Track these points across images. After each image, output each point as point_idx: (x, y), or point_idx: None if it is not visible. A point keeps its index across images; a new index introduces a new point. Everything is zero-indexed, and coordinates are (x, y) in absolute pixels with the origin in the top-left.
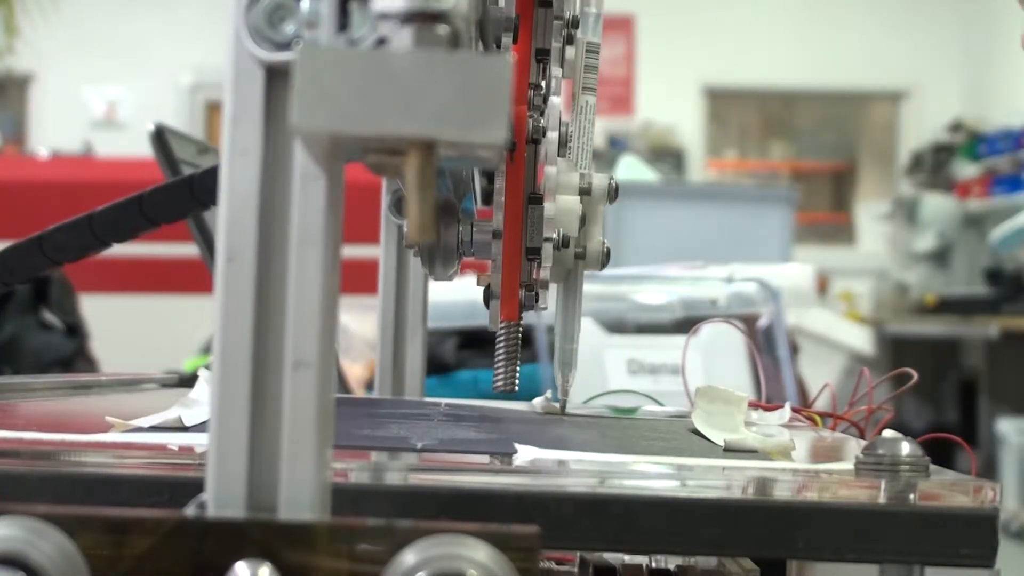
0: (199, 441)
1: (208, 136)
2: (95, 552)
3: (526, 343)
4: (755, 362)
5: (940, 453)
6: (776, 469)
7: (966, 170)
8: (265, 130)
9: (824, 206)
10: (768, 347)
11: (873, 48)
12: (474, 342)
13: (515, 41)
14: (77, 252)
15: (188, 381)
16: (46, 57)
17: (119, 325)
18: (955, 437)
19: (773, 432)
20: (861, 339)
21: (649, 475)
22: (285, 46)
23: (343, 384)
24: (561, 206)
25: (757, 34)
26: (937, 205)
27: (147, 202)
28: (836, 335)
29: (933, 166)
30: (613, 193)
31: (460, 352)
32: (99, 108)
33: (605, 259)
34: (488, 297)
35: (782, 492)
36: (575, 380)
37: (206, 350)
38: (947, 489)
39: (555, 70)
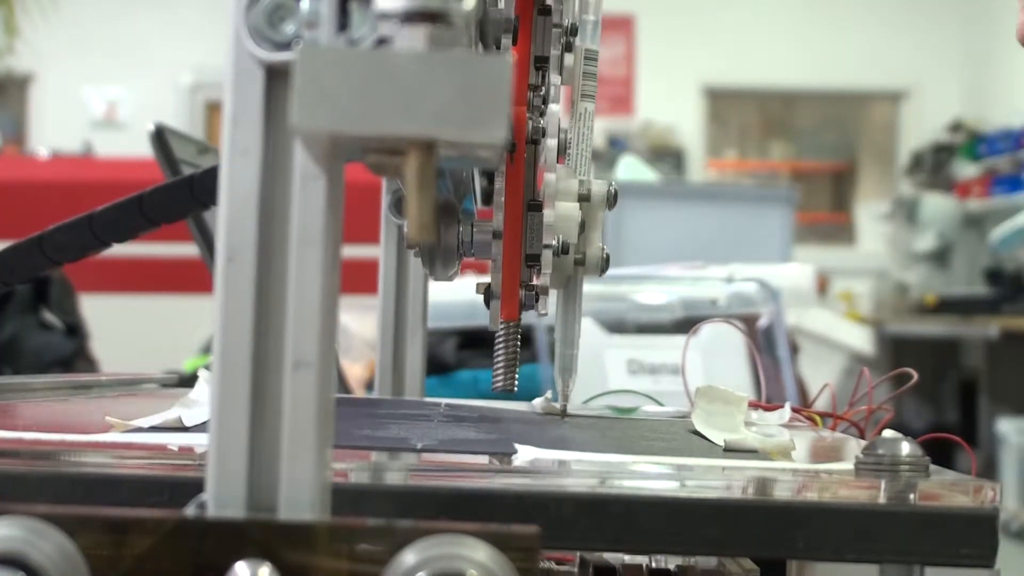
0: (199, 441)
1: (208, 136)
2: (95, 552)
3: (526, 343)
4: (755, 362)
5: (940, 453)
6: (776, 469)
7: (966, 170)
8: (265, 130)
9: (824, 206)
10: (768, 347)
11: (873, 48)
12: (474, 342)
13: (514, 43)
14: (77, 252)
15: (188, 381)
16: (46, 57)
17: (119, 325)
18: (955, 437)
19: (773, 432)
20: (861, 339)
21: (649, 475)
22: (285, 46)
23: (343, 384)
24: (560, 213)
25: (757, 34)
26: (937, 205)
27: (147, 202)
28: (836, 335)
29: (933, 166)
30: (612, 199)
31: (460, 352)
32: (99, 108)
33: (604, 265)
34: (488, 297)
35: (782, 492)
36: (575, 385)
37: (206, 350)
38: (947, 489)
39: (554, 77)
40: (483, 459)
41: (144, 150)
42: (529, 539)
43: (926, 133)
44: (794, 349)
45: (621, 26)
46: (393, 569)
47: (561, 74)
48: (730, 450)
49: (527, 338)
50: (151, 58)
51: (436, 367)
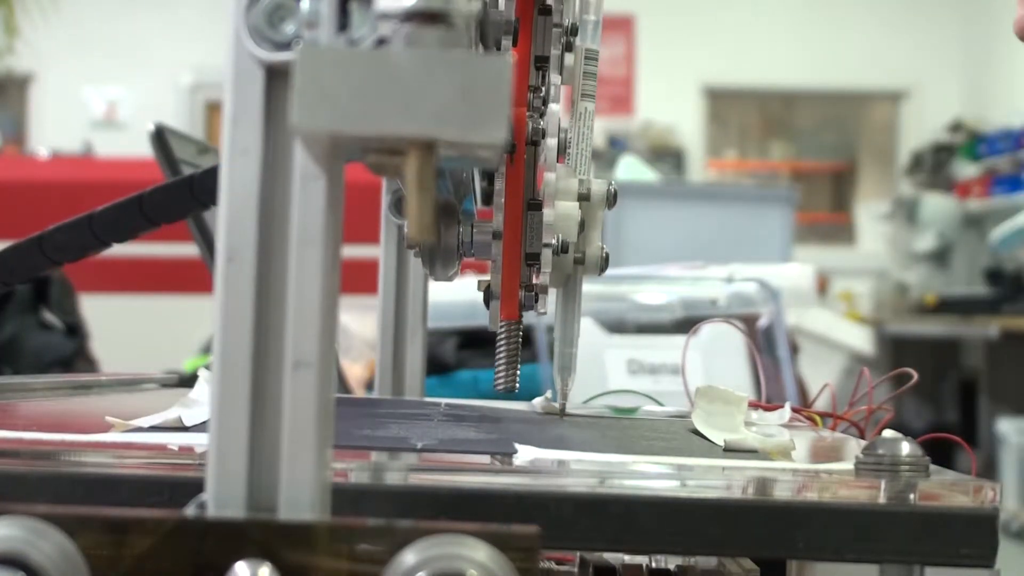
0: (199, 441)
1: (208, 136)
2: (95, 552)
3: (526, 343)
4: (755, 362)
5: (940, 453)
6: (776, 469)
7: (966, 170)
8: (265, 130)
9: (824, 206)
10: (768, 347)
11: (873, 48)
12: (474, 342)
13: (515, 44)
14: (77, 252)
15: (188, 381)
16: (46, 57)
17: (119, 325)
18: (955, 437)
19: (773, 432)
20: (861, 339)
21: (649, 475)
22: (285, 46)
23: (343, 384)
24: (560, 212)
25: (757, 34)
26: (937, 205)
27: (147, 202)
28: (836, 335)
29: (933, 166)
30: (612, 199)
31: (460, 352)
32: (99, 108)
33: (604, 264)
34: (488, 297)
35: (782, 492)
36: (575, 383)
37: (206, 350)
38: (947, 489)
39: (554, 77)
40: (483, 459)
41: (144, 150)
42: (529, 539)
43: (926, 133)
44: (794, 349)
45: (621, 26)
46: (393, 569)
47: (561, 74)
48: (730, 450)
49: (527, 338)
50: (151, 58)
51: (436, 367)
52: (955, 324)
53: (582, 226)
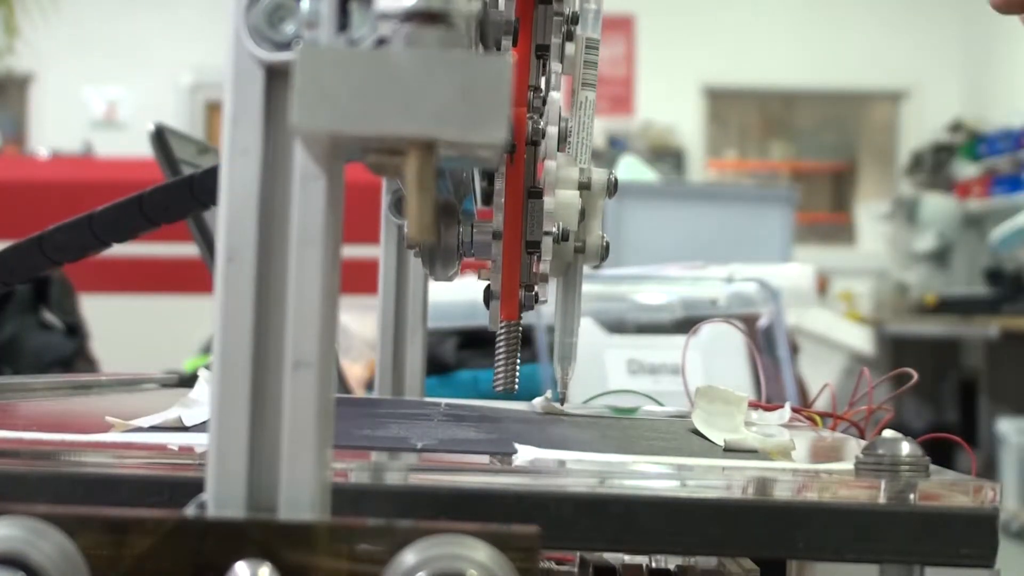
0: (199, 441)
1: (208, 136)
2: (95, 552)
3: (526, 343)
4: (755, 362)
5: (940, 453)
6: (776, 469)
7: (966, 170)
8: (265, 130)
9: (824, 206)
10: (768, 347)
11: (873, 48)
12: (474, 342)
13: (515, 44)
14: (77, 252)
15: (188, 381)
16: (46, 57)
17: (119, 325)
18: (955, 437)
19: (773, 432)
20: (861, 339)
21: (649, 475)
22: (285, 46)
23: (343, 384)
24: (560, 200)
25: (757, 34)
26: (937, 205)
27: (147, 202)
28: (836, 335)
29: (933, 166)
30: (612, 187)
31: (460, 352)
32: (99, 108)
33: (604, 253)
34: (488, 297)
35: (782, 492)
36: (575, 374)
37: (206, 350)
38: (947, 489)
39: (555, 66)
40: (483, 459)
41: (144, 150)
42: (529, 539)
43: (926, 133)
44: (794, 349)
45: (621, 26)
46: (393, 569)
47: (562, 62)
48: (730, 450)
49: (527, 338)
50: (151, 58)
51: (436, 367)
52: (955, 324)
53: (583, 215)
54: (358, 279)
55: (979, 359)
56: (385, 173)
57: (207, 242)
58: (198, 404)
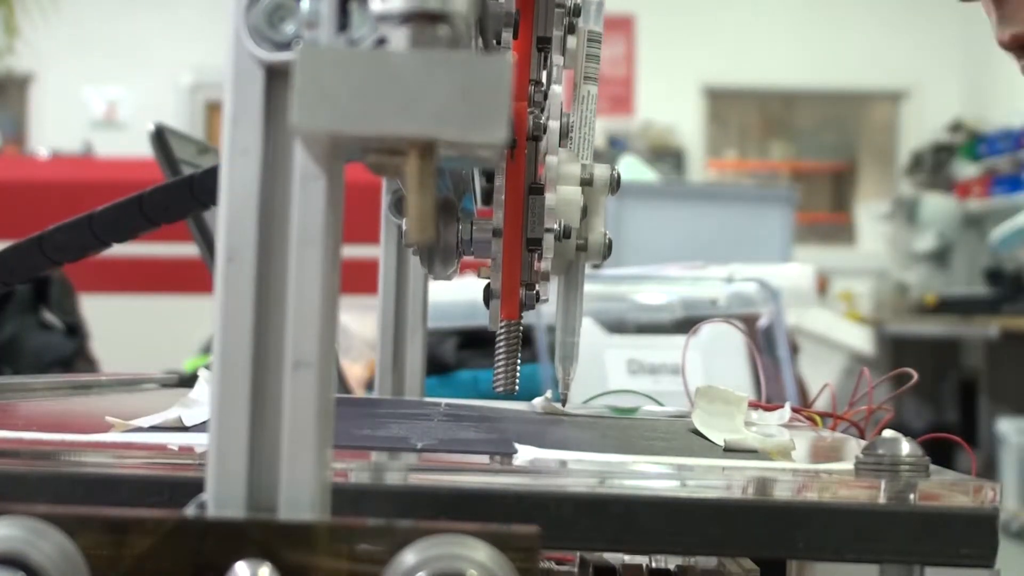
0: (199, 441)
1: (208, 136)
2: (95, 552)
3: (526, 343)
4: (755, 362)
5: (940, 453)
6: (776, 469)
7: (966, 170)
8: (265, 130)
9: (824, 206)
10: (768, 347)
11: (873, 48)
12: (474, 342)
13: (515, 36)
14: (77, 252)
15: (188, 381)
16: (46, 57)
17: (119, 325)
18: (955, 437)
19: (773, 432)
20: (861, 339)
21: (649, 475)
22: (285, 46)
23: (343, 384)
24: (562, 196)
25: (757, 34)
26: (937, 205)
27: (147, 202)
28: (836, 335)
29: (933, 166)
30: (615, 184)
31: (460, 352)
32: (99, 108)
33: (607, 251)
34: (488, 296)
35: (782, 492)
36: (576, 374)
37: (206, 350)
38: (947, 489)
39: (556, 58)
40: (483, 459)
41: (144, 150)
42: (529, 539)
43: (926, 133)
44: (794, 349)
45: (621, 26)
46: (393, 569)
47: (563, 55)
48: (730, 450)
49: (527, 338)
50: (151, 58)
51: (436, 367)
52: (955, 324)
53: (584, 212)
54: (358, 279)
55: (979, 359)
56: (385, 173)
57: (207, 242)
58: (198, 404)
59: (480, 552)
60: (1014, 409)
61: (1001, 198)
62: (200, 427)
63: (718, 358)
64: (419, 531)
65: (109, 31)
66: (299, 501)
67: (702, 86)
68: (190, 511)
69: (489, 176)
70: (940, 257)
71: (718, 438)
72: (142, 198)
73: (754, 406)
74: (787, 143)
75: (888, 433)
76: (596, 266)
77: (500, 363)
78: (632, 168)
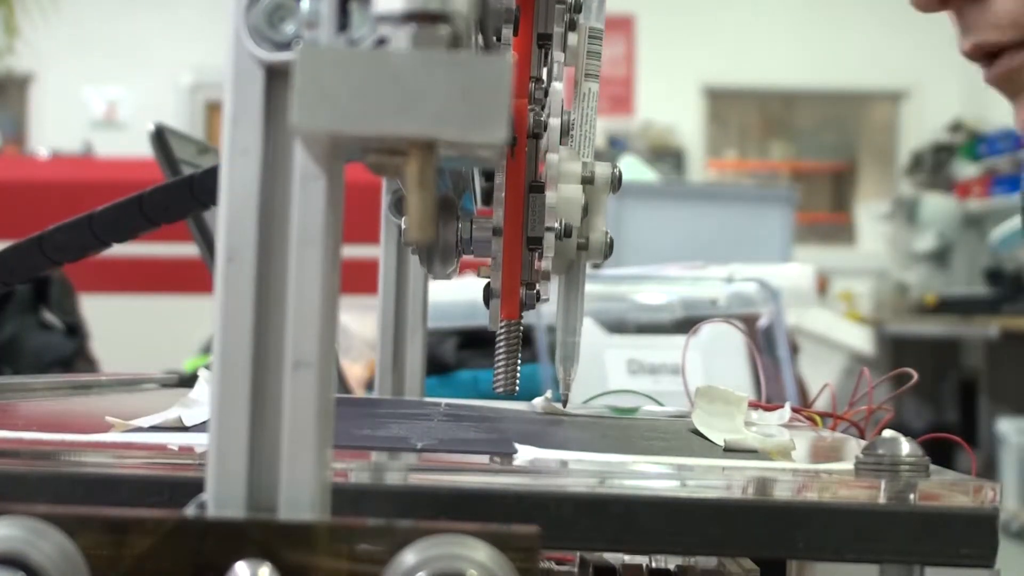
0: (199, 441)
1: (208, 136)
2: (95, 552)
3: (526, 343)
4: (755, 362)
5: (940, 453)
6: (776, 469)
7: (966, 170)
8: (265, 130)
9: (824, 206)
10: (768, 347)
11: (873, 48)
12: (474, 342)
13: (515, 33)
14: (77, 252)
15: (188, 381)
16: (46, 57)
17: (119, 325)
18: (955, 437)
19: (773, 432)
20: (861, 339)
21: (649, 475)
22: (285, 46)
23: (343, 384)
24: (563, 195)
25: (757, 34)
26: (937, 205)
27: (147, 202)
28: (836, 335)
29: (933, 166)
30: (616, 182)
31: (460, 352)
32: (99, 108)
33: (608, 250)
34: (488, 295)
35: (782, 492)
36: (576, 375)
37: (206, 350)
38: (947, 489)
39: (557, 55)
40: (483, 459)
41: (144, 150)
42: (529, 539)
43: (926, 133)
44: (794, 349)
45: (621, 26)
46: (393, 569)
47: (564, 52)
48: (730, 450)
49: (527, 338)
50: (151, 58)
51: (436, 367)
52: (955, 324)
53: (586, 211)
54: (358, 279)
55: (979, 359)
56: (385, 173)
57: (207, 242)
58: (198, 404)
59: (480, 552)
60: (1014, 409)
61: (1001, 198)
62: (200, 427)
63: (718, 358)
64: (419, 531)
65: (109, 31)
66: (299, 501)
67: (702, 86)
68: (190, 511)
69: (489, 175)
70: (940, 257)
71: (718, 438)
72: (142, 198)
73: (754, 406)
74: (787, 143)
75: (888, 433)
76: (597, 266)
77: (500, 363)
78: (632, 168)
